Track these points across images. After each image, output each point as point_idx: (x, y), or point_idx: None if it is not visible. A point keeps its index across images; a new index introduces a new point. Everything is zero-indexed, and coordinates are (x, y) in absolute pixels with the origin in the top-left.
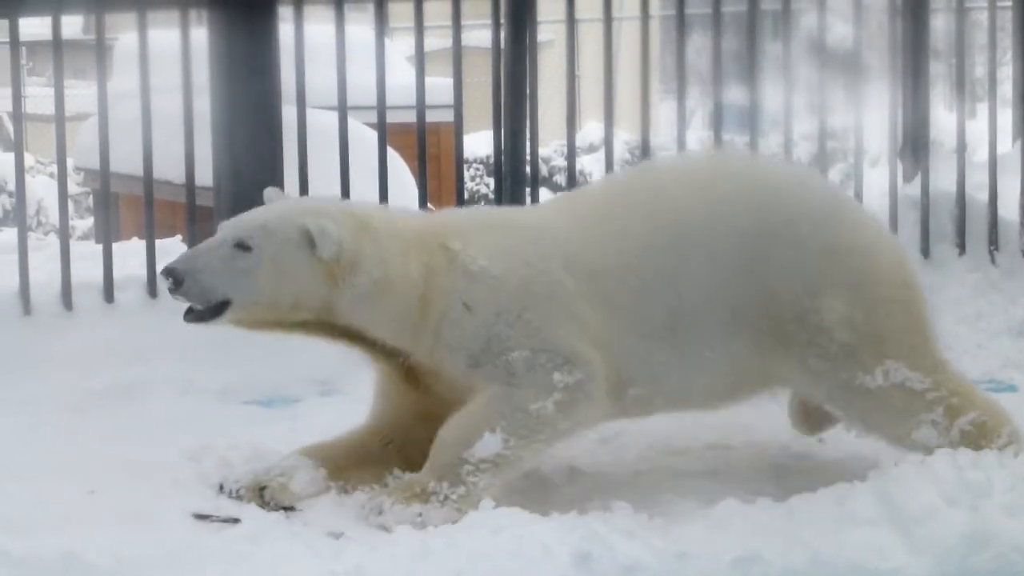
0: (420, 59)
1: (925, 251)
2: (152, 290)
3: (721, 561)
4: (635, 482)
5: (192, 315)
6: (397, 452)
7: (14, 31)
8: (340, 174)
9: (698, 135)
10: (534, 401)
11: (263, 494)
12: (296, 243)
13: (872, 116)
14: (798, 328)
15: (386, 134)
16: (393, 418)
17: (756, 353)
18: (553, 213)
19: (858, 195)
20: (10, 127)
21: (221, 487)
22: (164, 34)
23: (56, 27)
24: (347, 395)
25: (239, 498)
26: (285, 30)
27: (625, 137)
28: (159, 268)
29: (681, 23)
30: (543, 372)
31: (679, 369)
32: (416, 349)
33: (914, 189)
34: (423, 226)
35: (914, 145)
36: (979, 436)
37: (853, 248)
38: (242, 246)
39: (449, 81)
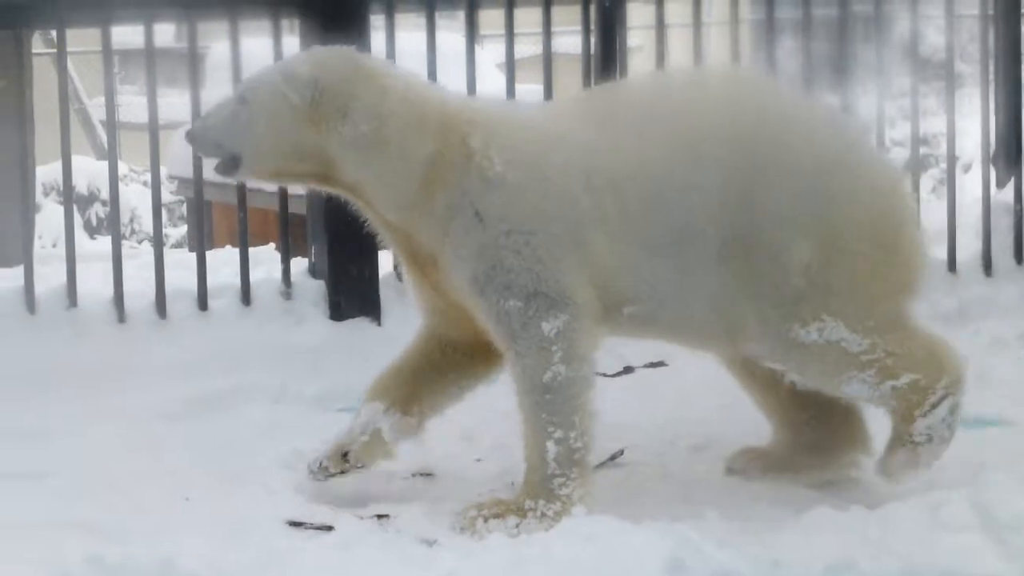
0: (511, 66)
1: (1018, 257)
2: (246, 298)
3: (814, 568)
4: (726, 489)
5: (217, 167)
6: (463, 350)
7: (107, 40)
8: None
9: None
10: (543, 370)
11: (347, 458)
12: (278, 90)
13: (965, 122)
14: (769, 265)
15: None
16: (434, 304)
17: (731, 290)
18: (578, 115)
19: (951, 201)
20: (104, 135)
21: (309, 470)
22: (256, 42)
23: (149, 36)
24: None
25: (325, 470)
26: (376, 38)
27: None
28: (253, 276)
29: (771, 27)
30: (534, 326)
31: (678, 289)
32: (421, 232)
33: (1007, 195)
34: (451, 111)
35: (1007, 151)
36: (911, 392)
37: (840, 195)
38: (243, 100)
39: (539, 88)
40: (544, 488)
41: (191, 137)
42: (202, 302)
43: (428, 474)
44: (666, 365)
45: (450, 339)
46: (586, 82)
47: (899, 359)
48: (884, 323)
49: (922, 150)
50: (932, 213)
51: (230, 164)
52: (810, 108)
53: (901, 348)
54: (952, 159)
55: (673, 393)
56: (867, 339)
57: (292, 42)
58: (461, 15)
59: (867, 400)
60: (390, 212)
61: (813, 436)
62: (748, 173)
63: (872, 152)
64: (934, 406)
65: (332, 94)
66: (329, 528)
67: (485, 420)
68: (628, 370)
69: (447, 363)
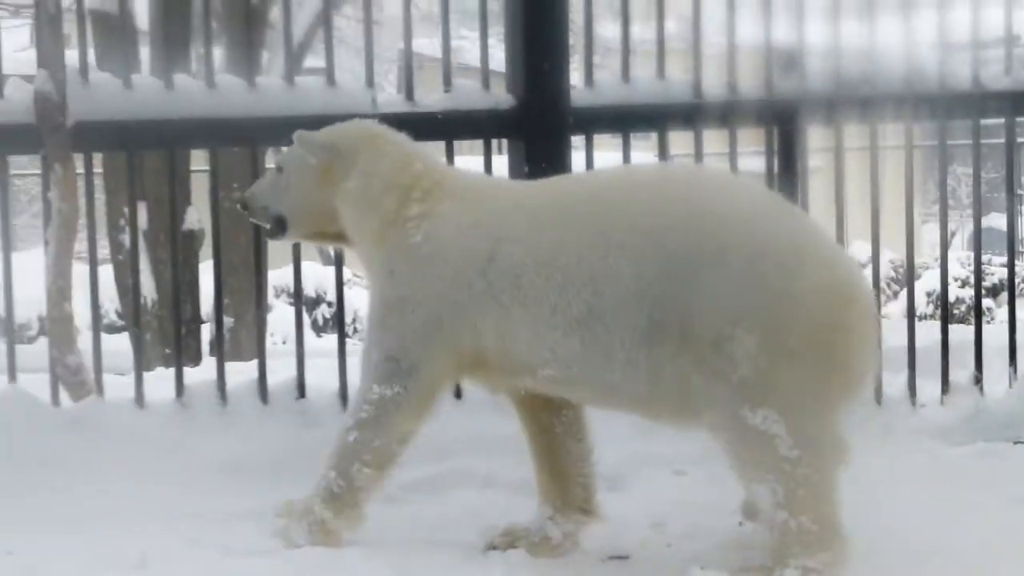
0: None
1: None
2: (457, 392)
3: None
4: None
5: (267, 232)
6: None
7: None
8: None
9: (957, 255)
10: (348, 422)
11: (515, 545)
12: (302, 156)
13: None
14: (713, 353)
15: None
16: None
17: (675, 370)
18: (533, 201)
19: None
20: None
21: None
22: (467, 160)
23: None
24: (629, 491)
25: (492, 548)
26: (577, 157)
27: (890, 256)
28: None
29: (943, 152)
30: (369, 383)
31: (588, 361)
32: (371, 281)
33: None
34: (426, 179)
35: None
36: (794, 543)
37: (783, 291)
38: (279, 168)
39: None
40: (306, 504)
41: (243, 203)
42: None
43: (623, 557)
44: None
45: (522, 401)
46: None
47: (813, 495)
48: (819, 443)
49: None
50: None
51: (277, 227)
52: (763, 206)
53: (822, 485)
54: None
55: None
56: (798, 449)
57: (500, 160)
58: (654, 136)
59: (762, 510)
60: (361, 256)
61: None
62: (669, 263)
63: (823, 253)
64: (806, 571)
65: (343, 155)
66: None
67: (675, 509)
68: None
69: (543, 424)
